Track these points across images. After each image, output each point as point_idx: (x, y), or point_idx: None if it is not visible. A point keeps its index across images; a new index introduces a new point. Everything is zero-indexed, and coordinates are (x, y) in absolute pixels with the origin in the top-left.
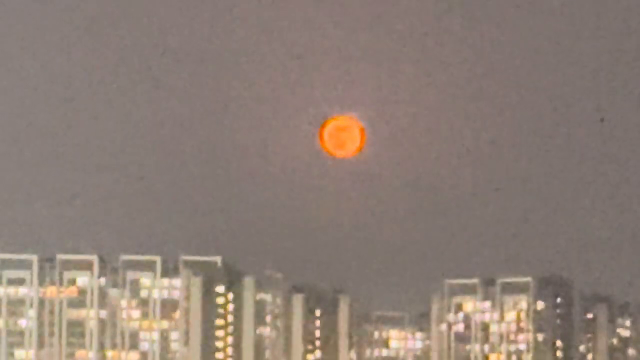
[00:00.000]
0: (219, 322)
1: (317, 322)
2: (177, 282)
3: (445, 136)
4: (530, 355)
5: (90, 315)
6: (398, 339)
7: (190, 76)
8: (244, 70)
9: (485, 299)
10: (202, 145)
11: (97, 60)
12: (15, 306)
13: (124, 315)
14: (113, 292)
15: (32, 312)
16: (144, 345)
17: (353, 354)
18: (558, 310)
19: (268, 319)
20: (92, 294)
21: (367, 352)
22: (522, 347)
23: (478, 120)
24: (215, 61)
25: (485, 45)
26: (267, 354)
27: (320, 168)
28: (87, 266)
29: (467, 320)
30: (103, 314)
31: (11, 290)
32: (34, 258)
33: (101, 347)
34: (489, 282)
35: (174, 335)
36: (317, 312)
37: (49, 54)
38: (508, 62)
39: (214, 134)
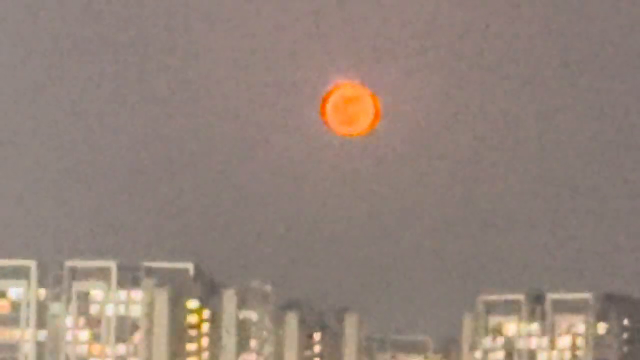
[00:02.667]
0: (191, 347)
1: (316, 348)
2: (137, 294)
3: (483, 114)
4: None
5: (26, 336)
6: None
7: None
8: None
9: (531, 319)
10: (170, 123)
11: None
12: None
13: (69, 336)
14: (55, 308)
15: None
16: None
17: None
18: (625, 335)
19: (253, 343)
20: (28, 309)
21: None
22: None
23: (527, 91)
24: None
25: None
26: None
27: (321, 150)
28: (22, 274)
29: (508, 346)
30: (42, 335)
31: None
32: None
33: None
34: (536, 299)
35: None
36: (316, 336)
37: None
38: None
39: (185, 108)
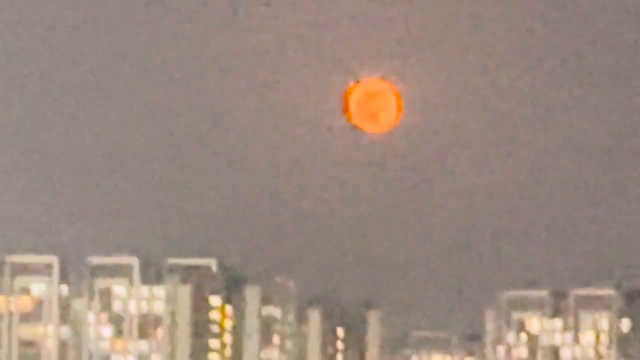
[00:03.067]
0: (214, 343)
1: (339, 345)
2: (160, 291)
3: (507, 110)
4: None
5: (49, 333)
6: None
7: (180, 37)
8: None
9: (555, 315)
10: (191, 120)
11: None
12: None
13: (92, 333)
14: (78, 304)
15: None
16: None
17: None
18: None
19: (276, 339)
20: (50, 305)
21: None
22: None
23: (553, 88)
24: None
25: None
26: None
27: (344, 147)
28: (45, 271)
29: (531, 342)
30: (65, 331)
31: None
32: None
33: None
34: (560, 295)
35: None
36: (340, 332)
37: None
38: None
39: (209, 106)
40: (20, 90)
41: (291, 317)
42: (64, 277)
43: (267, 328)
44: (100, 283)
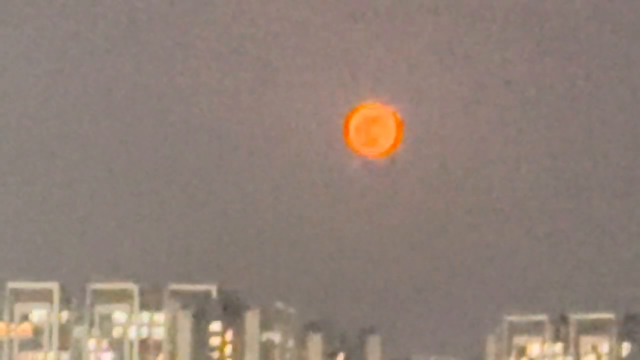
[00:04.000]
0: None
1: None
2: (160, 317)
3: (508, 134)
4: None
5: (49, 359)
6: None
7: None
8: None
9: (555, 340)
10: (191, 146)
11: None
12: None
13: (92, 359)
14: (78, 330)
15: None
16: None
17: None
18: None
19: None
20: (51, 332)
21: None
22: None
23: (552, 112)
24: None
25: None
26: None
27: (344, 170)
28: (45, 297)
29: None
30: (65, 358)
31: None
32: None
33: None
34: (560, 319)
35: None
36: (340, 357)
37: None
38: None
39: (204, 129)
40: (18, 113)
41: (291, 342)
42: (64, 304)
43: (267, 353)
44: (101, 309)
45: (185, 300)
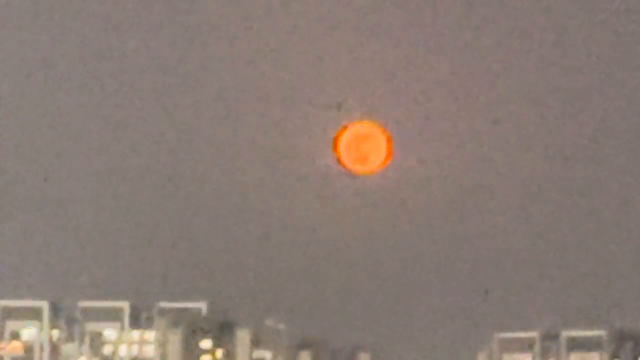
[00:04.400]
0: None
1: None
2: (150, 335)
3: (498, 150)
4: None
5: None
6: None
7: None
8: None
9: (546, 357)
10: (183, 161)
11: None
12: None
13: None
14: (68, 349)
15: None
16: None
17: None
18: None
19: None
20: (41, 350)
21: None
22: None
23: (540, 128)
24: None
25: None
26: None
27: (334, 188)
28: (35, 315)
29: None
30: None
31: None
32: None
33: None
34: (550, 337)
35: None
36: None
37: None
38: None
39: (194, 147)
40: (15, 127)
41: (282, 359)
42: (54, 322)
43: None
44: (91, 327)
45: (176, 318)
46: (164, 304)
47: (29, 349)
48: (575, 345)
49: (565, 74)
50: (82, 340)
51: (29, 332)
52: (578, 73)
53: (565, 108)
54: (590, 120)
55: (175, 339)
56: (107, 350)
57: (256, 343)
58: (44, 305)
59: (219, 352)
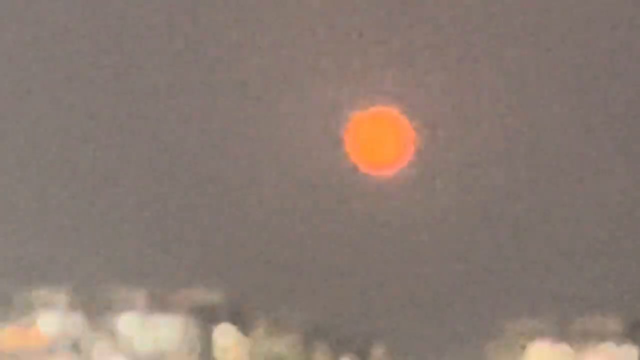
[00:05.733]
0: None
1: None
2: (166, 324)
3: (531, 146)
4: None
5: None
6: None
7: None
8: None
9: (559, 345)
10: (196, 151)
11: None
12: None
13: None
14: (87, 339)
15: None
16: None
17: None
18: None
19: None
20: (60, 341)
21: None
22: None
23: (565, 125)
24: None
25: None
26: None
27: (348, 177)
28: (55, 305)
29: None
30: None
31: None
32: None
33: None
34: (563, 325)
35: None
36: None
37: None
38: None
39: (204, 142)
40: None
41: (297, 349)
42: (73, 312)
43: None
44: (108, 317)
45: (192, 308)
46: (182, 293)
47: (49, 339)
48: (590, 332)
49: (608, 73)
50: (100, 331)
51: (48, 322)
52: (618, 74)
53: (607, 109)
54: (626, 119)
55: (192, 329)
56: (122, 340)
57: (271, 332)
58: (63, 295)
59: (234, 342)
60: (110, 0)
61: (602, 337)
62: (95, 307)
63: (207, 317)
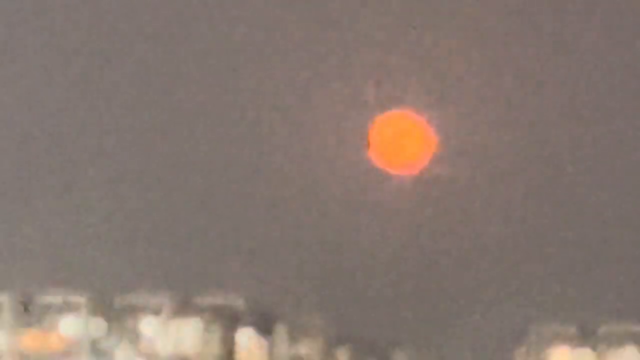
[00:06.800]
0: None
1: None
2: (188, 329)
3: (555, 148)
4: None
5: None
6: None
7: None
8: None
9: (584, 351)
10: (219, 156)
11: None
12: None
13: None
14: (107, 343)
15: None
16: None
17: None
18: None
19: None
20: (80, 345)
21: None
22: None
23: (592, 132)
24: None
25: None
26: None
27: (370, 182)
28: (74, 309)
29: None
30: None
31: None
32: (4, 299)
33: None
34: (589, 331)
35: None
36: None
37: None
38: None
39: (226, 143)
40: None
41: (319, 355)
42: (93, 316)
43: None
44: (130, 322)
45: (214, 312)
46: (203, 298)
47: (67, 344)
48: (614, 339)
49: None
50: (120, 335)
51: (67, 326)
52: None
53: (623, 120)
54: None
55: (213, 334)
56: (145, 345)
57: (294, 338)
58: (83, 299)
59: (257, 347)
60: (114, 9)
61: (624, 342)
62: (117, 311)
63: (229, 321)
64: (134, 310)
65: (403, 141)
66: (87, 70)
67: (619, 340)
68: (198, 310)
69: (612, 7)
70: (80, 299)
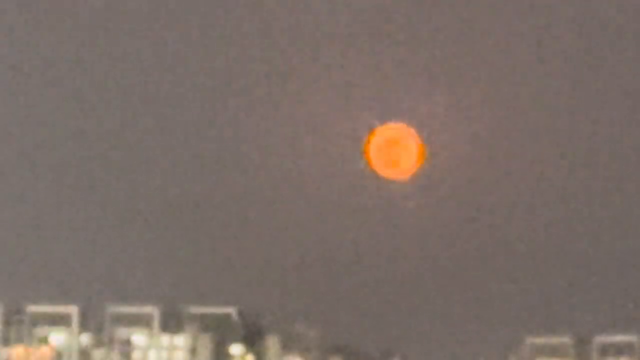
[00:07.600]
0: None
1: None
2: (180, 340)
3: (539, 155)
4: None
5: None
6: None
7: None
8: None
9: None
10: (212, 163)
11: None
12: None
13: None
14: (98, 354)
15: None
16: None
17: None
18: None
19: None
20: (70, 356)
21: None
22: None
23: (577, 135)
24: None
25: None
26: None
27: (365, 192)
28: (64, 321)
29: None
30: None
31: None
32: None
33: None
34: (583, 342)
35: None
36: None
37: None
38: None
39: (222, 150)
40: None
41: None
42: (83, 327)
43: None
44: (120, 332)
45: (206, 323)
46: (194, 309)
47: (57, 355)
48: (608, 350)
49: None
50: (111, 346)
51: (58, 337)
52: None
53: (619, 115)
54: None
55: (205, 345)
56: (136, 356)
57: (287, 349)
58: (74, 310)
59: (249, 358)
60: (117, 21)
61: (618, 352)
62: (108, 323)
63: (220, 332)
64: (125, 322)
65: (396, 149)
66: (86, 74)
67: (613, 351)
68: (189, 321)
69: (606, 13)
70: (71, 310)
